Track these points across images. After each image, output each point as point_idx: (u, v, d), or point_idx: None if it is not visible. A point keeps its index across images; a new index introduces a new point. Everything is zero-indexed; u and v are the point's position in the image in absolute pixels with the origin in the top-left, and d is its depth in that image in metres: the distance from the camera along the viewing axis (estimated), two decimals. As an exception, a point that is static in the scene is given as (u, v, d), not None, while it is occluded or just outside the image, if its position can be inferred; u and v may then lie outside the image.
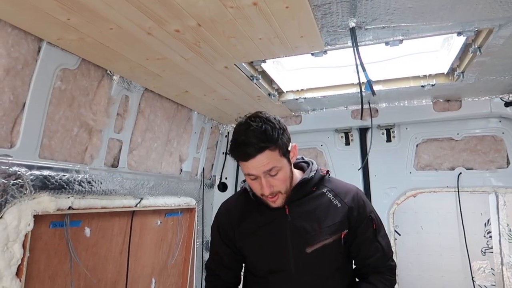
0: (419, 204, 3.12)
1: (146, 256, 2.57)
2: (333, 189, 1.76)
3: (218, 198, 3.52)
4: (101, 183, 2.10)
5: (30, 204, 1.66)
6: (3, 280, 1.53)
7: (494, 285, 2.87)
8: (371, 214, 1.75)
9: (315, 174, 1.74)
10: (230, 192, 3.56)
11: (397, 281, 3.03)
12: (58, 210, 1.79)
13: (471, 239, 2.94)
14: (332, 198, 1.73)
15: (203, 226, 3.30)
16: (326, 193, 1.74)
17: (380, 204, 3.22)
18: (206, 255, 3.38)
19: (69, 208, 1.86)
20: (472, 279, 2.88)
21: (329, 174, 1.82)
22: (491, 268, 2.88)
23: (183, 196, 2.97)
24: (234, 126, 3.49)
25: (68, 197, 1.88)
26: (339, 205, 1.71)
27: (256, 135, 1.51)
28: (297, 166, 1.80)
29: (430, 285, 3.04)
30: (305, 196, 1.71)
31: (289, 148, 1.63)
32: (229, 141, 1.66)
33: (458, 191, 2.99)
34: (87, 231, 2.06)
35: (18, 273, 1.59)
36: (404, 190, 3.16)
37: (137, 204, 2.38)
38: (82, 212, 1.97)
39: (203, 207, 3.30)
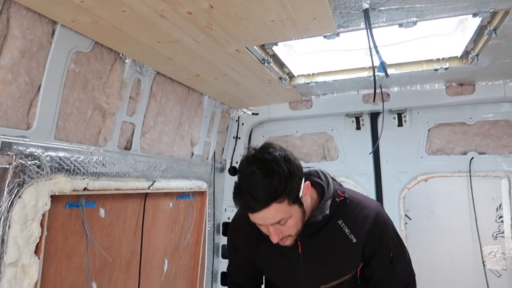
0: (430, 188, 3.11)
1: (158, 238, 2.62)
2: (350, 218, 1.65)
3: (229, 182, 3.55)
4: (114, 165, 2.13)
5: (47, 184, 1.70)
6: (23, 258, 1.58)
7: (505, 269, 2.86)
8: (389, 242, 1.67)
9: (330, 206, 1.62)
10: (240, 176, 3.58)
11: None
12: (73, 190, 1.82)
13: (482, 223, 2.93)
14: (348, 232, 1.64)
15: (214, 209, 3.34)
16: (342, 226, 1.65)
17: (391, 188, 3.22)
18: (217, 238, 3.43)
19: (84, 189, 1.90)
20: (483, 263, 2.89)
21: (347, 198, 1.68)
22: (502, 253, 2.87)
23: (195, 179, 3.00)
24: (245, 111, 3.55)
25: (83, 179, 1.91)
26: (354, 240, 1.63)
27: (261, 186, 1.40)
28: (311, 183, 1.65)
29: (441, 269, 3.05)
30: (319, 230, 1.63)
31: (301, 193, 1.50)
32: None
33: (470, 176, 2.97)
34: (102, 212, 2.10)
35: (36, 251, 1.64)
36: (415, 174, 3.15)
37: (149, 187, 2.42)
38: (97, 193, 2.01)
39: (214, 191, 3.34)
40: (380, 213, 1.70)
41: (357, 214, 1.66)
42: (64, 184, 1.76)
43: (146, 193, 2.46)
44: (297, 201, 1.49)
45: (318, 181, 1.68)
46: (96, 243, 2.03)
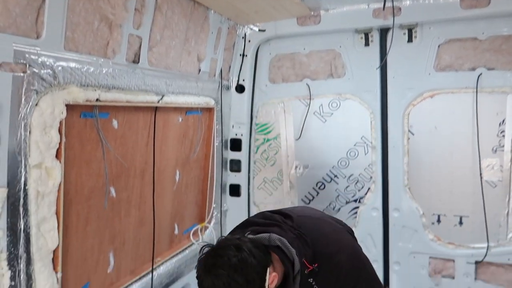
0: (435, 104, 3.15)
1: (170, 150, 2.74)
2: (321, 278, 1.68)
3: (236, 100, 3.60)
4: (124, 78, 2.17)
5: (61, 94, 1.76)
6: (45, 161, 1.69)
7: (501, 181, 2.99)
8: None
9: (300, 281, 1.65)
10: (247, 94, 3.61)
11: (409, 193, 3.21)
12: (87, 101, 1.90)
13: (484, 138, 2.99)
14: None
15: (222, 126, 3.43)
16: (313, 284, 1.69)
17: (396, 105, 3.25)
18: (226, 153, 3.58)
19: (97, 100, 1.97)
20: (480, 175, 3.01)
21: (316, 267, 1.67)
22: (500, 165, 2.98)
23: (202, 96, 3.06)
24: (252, 27, 3.48)
25: (95, 90, 1.97)
26: None
27: None
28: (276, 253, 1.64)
29: (439, 181, 3.17)
30: None
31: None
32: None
33: (477, 92, 2.98)
34: (115, 123, 2.19)
35: (57, 156, 1.75)
36: (422, 91, 3.16)
37: (159, 101, 2.48)
38: (109, 104, 2.08)
39: (221, 108, 3.40)
40: (352, 268, 1.71)
41: (328, 275, 1.69)
42: (77, 94, 1.83)
43: (156, 107, 2.53)
44: None
45: (283, 259, 1.64)
46: (112, 149, 2.15)
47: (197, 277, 1.56)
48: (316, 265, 1.67)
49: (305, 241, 1.69)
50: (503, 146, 2.96)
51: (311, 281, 1.69)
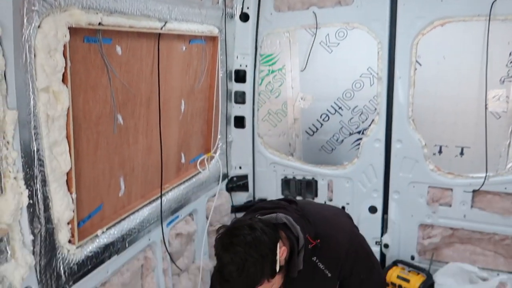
0: (445, 33, 3.05)
1: (174, 79, 2.72)
2: (323, 256, 1.88)
3: (240, 29, 3.50)
4: (125, 1, 2.10)
5: (63, 16, 1.71)
6: (52, 84, 1.69)
7: (505, 112, 2.98)
8: (359, 270, 1.94)
9: (304, 256, 1.82)
10: (252, 23, 3.50)
11: (413, 124, 3.20)
12: (89, 24, 1.85)
13: (492, 68, 2.93)
14: (322, 267, 1.88)
15: (226, 56, 3.36)
16: (317, 262, 1.88)
17: (405, 34, 3.16)
18: (230, 85, 3.55)
19: (99, 24, 1.92)
20: (485, 106, 3.00)
21: (318, 243, 1.86)
22: (507, 96, 2.95)
23: (206, 24, 2.96)
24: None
25: (97, 13, 1.91)
26: (329, 274, 1.90)
27: (239, 283, 1.61)
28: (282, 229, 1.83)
29: (444, 112, 3.16)
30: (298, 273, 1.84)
31: (278, 266, 1.70)
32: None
33: (489, 19, 2.88)
34: (118, 49, 2.15)
35: (63, 80, 1.75)
36: (432, 19, 3.05)
37: (162, 27, 2.41)
38: (112, 29, 2.03)
39: (225, 37, 3.31)
40: (351, 247, 1.92)
41: (330, 253, 1.90)
42: (79, 16, 1.77)
43: (159, 34, 2.46)
44: (276, 272, 1.73)
45: (288, 235, 1.83)
46: (117, 75, 2.13)
47: (215, 255, 1.74)
48: (318, 240, 1.88)
49: (308, 221, 1.92)
50: (511, 76, 2.92)
51: (314, 259, 1.90)
